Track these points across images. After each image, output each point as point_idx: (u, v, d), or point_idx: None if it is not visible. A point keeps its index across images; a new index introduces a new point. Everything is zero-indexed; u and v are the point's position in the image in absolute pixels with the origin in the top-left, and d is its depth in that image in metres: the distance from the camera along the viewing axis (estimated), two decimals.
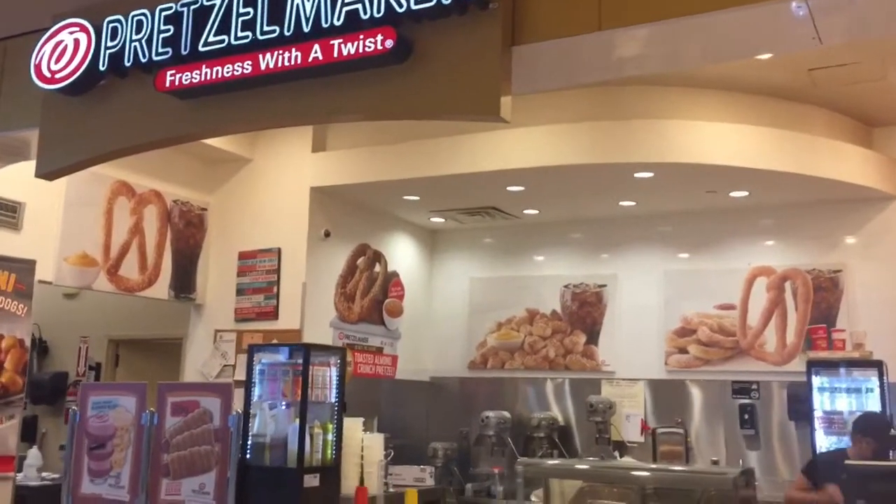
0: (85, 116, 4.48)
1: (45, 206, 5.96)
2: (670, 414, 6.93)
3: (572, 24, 3.50)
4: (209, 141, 6.33)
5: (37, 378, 7.66)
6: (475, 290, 7.97)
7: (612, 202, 7.02)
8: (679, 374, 7.04)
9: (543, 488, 5.21)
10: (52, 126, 4.63)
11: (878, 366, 5.86)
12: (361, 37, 3.63)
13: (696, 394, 6.96)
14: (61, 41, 4.46)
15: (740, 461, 6.56)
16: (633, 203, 7.01)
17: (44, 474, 6.68)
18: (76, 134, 4.54)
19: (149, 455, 4.77)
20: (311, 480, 4.97)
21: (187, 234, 6.95)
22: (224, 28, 3.98)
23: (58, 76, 4.43)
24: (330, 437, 5.17)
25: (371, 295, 7.31)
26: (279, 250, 6.74)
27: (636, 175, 6.21)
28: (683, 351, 7.05)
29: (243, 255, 6.90)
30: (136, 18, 4.23)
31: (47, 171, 4.68)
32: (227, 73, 3.95)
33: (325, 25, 3.72)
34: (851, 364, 6.00)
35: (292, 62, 3.80)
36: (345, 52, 3.67)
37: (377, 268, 7.43)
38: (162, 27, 4.15)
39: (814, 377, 6.00)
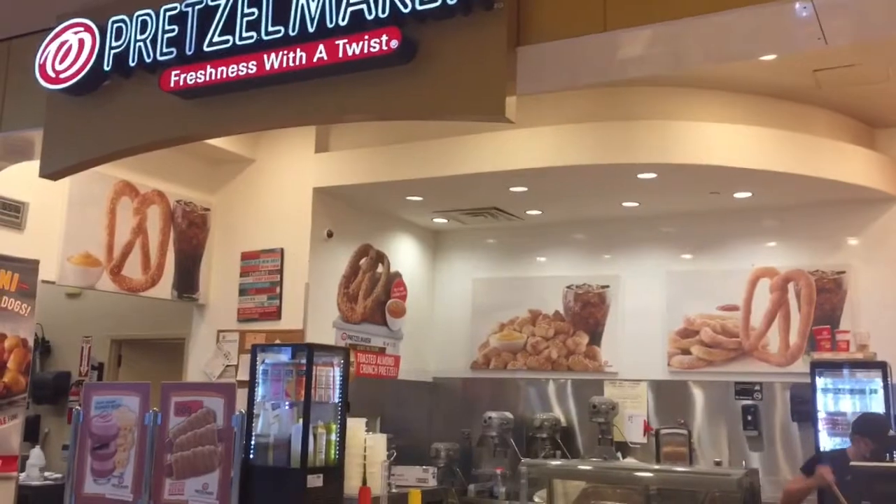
0: (89, 116, 4.48)
1: (49, 205, 5.97)
2: (673, 415, 6.92)
3: (577, 25, 3.49)
4: (212, 141, 6.33)
5: (39, 378, 7.67)
6: (478, 290, 7.97)
7: (615, 203, 7.02)
8: (682, 375, 7.04)
9: (547, 489, 5.21)
10: (57, 126, 4.63)
11: (882, 367, 5.86)
12: (366, 37, 3.63)
13: (698, 395, 6.96)
14: (66, 41, 4.46)
15: (743, 462, 6.54)
16: (636, 204, 7.00)
17: (46, 474, 6.69)
18: (80, 134, 4.54)
19: (152, 455, 4.78)
20: (315, 481, 4.99)
21: (190, 235, 6.95)
22: (229, 28, 3.98)
23: (62, 76, 4.42)
24: (333, 437, 5.18)
25: (374, 295, 7.31)
26: (282, 250, 6.74)
27: (639, 176, 6.20)
28: (686, 352, 7.04)
29: (246, 256, 6.90)
30: (140, 18, 4.22)
31: (51, 171, 4.68)
32: (232, 73, 3.95)
33: (329, 26, 3.72)
34: (855, 365, 6.00)
35: (297, 62, 3.80)
36: (350, 53, 3.66)
37: (380, 268, 7.43)
38: (166, 27, 4.14)
39: (817, 378, 6.00)
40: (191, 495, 4.64)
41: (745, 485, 4.65)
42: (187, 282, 6.91)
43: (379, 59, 3.61)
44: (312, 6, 3.76)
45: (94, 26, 4.38)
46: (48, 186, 5.21)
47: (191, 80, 4.05)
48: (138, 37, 4.22)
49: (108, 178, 6.31)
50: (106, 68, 4.33)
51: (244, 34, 3.93)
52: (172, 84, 4.10)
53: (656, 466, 6.21)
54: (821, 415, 5.94)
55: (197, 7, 4.08)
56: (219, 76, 3.98)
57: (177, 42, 4.10)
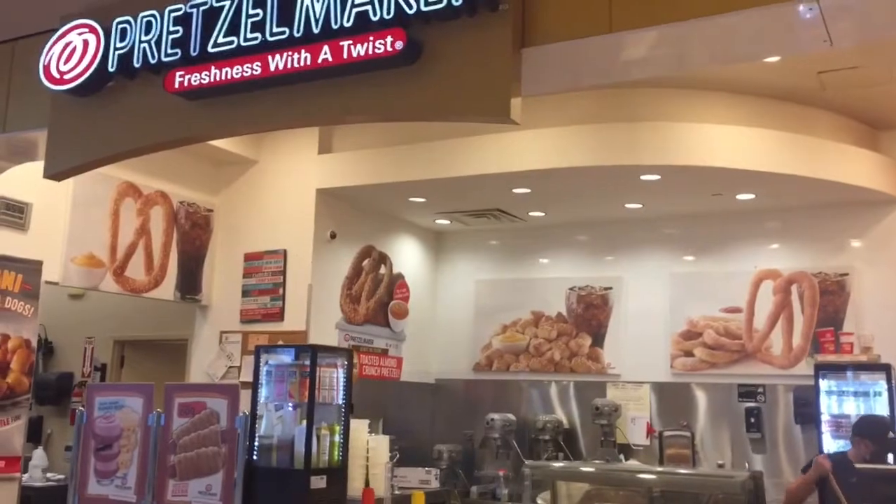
0: (93, 117, 4.48)
1: (52, 206, 5.97)
2: (676, 417, 6.91)
3: (583, 26, 3.49)
4: (215, 142, 6.33)
5: (42, 379, 7.66)
6: (480, 292, 7.96)
7: (618, 204, 7.02)
8: (685, 377, 7.03)
9: (551, 491, 5.21)
10: (61, 127, 4.63)
11: (886, 369, 5.86)
12: (371, 38, 3.63)
13: (701, 397, 6.95)
14: (70, 42, 4.46)
15: (746, 465, 6.53)
16: (639, 205, 7.00)
17: (49, 475, 6.68)
18: (85, 135, 4.54)
19: (155, 456, 4.77)
20: (318, 482, 4.98)
21: (193, 236, 6.95)
22: (233, 29, 3.98)
23: (67, 77, 4.43)
24: (337, 438, 5.17)
25: (376, 297, 7.30)
26: (285, 252, 6.74)
27: (642, 177, 6.20)
28: (689, 354, 7.03)
29: (249, 257, 6.90)
30: (145, 19, 4.23)
31: (55, 172, 4.68)
32: (237, 74, 3.95)
33: (334, 27, 3.72)
34: (859, 367, 6.00)
35: (301, 63, 3.80)
36: (354, 54, 3.66)
37: (382, 269, 7.43)
38: (171, 28, 4.14)
39: (821, 380, 6.00)
40: (194, 496, 4.63)
41: (750, 487, 4.64)
42: (190, 283, 6.91)
43: (383, 60, 3.61)
44: (317, 7, 3.76)
45: (98, 27, 4.39)
46: (52, 187, 5.21)
47: (195, 81, 4.05)
48: (143, 38, 4.22)
49: (111, 179, 6.31)
50: (110, 69, 4.33)
51: (249, 35, 3.93)
52: (177, 85, 4.10)
53: (660, 468, 6.21)
54: (824, 417, 5.94)
55: (202, 8, 4.08)
56: (223, 77, 3.98)
57: (181, 43, 4.10)
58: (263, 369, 5.30)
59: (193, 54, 4.07)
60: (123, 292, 6.48)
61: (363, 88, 3.75)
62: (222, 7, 4.02)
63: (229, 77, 3.97)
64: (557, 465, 6.19)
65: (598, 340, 7.42)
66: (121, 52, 4.29)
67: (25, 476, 6.14)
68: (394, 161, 6.52)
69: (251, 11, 3.94)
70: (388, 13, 3.60)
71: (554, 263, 7.76)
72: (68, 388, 7.93)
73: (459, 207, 7.28)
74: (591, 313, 7.47)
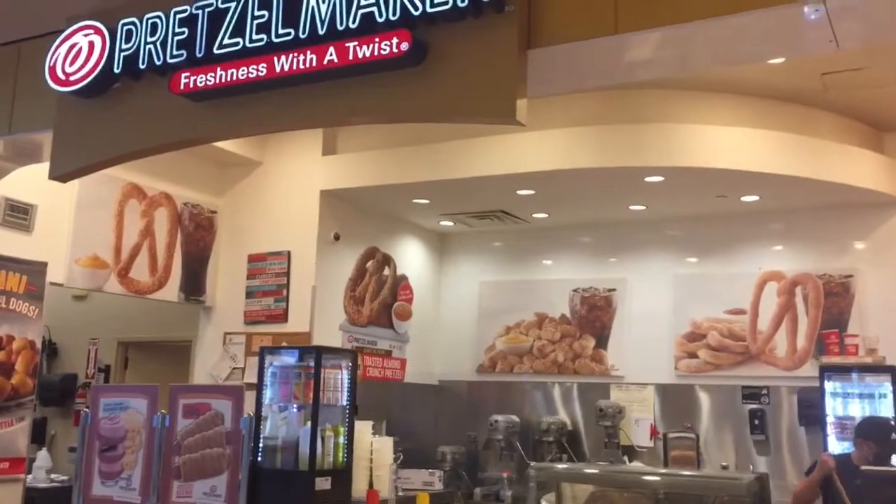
0: (99, 119, 4.48)
1: (57, 208, 5.97)
2: (680, 419, 6.91)
3: (588, 28, 3.48)
4: (220, 144, 6.35)
5: (46, 380, 7.66)
6: (484, 293, 7.96)
7: (622, 206, 7.02)
8: (689, 378, 7.02)
9: (555, 493, 5.20)
10: (66, 128, 4.63)
11: (892, 371, 5.85)
12: (377, 39, 3.62)
13: (705, 399, 6.94)
14: (76, 43, 4.45)
15: (750, 466, 6.53)
16: (643, 207, 7.00)
17: (53, 476, 6.69)
18: (90, 136, 4.53)
19: (160, 457, 4.77)
20: (323, 483, 4.98)
21: (197, 237, 6.96)
22: (239, 30, 3.97)
23: (72, 78, 4.42)
24: (341, 440, 5.17)
25: (380, 298, 7.31)
26: (289, 253, 6.74)
27: (646, 179, 6.20)
28: (693, 355, 7.03)
29: (253, 258, 6.90)
30: (150, 21, 4.22)
31: (61, 174, 4.68)
32: (242, 75, 3.94)
33: (340, 28, 3.71)
34: (864, 369, 5.99)
35: (307, 65, 3.79)
36: (360, 55, 3.66)
37: (386, 271, 7.43)
38: (177, 29, 4.14)
39: (826, 382, 5.99)
40: (199, 498, 4.64)
41: (755, 489, 4.63)
42: (194, 284, 6.91)
43: (389, 61, 3.61)
44: (323, 8, 3.76)
45: (104, 29, 4.38)
46: (56, 189, 5.21)
47: (201, 82, 4.05)
48: (148, 39, 4.21)
49: (115, 181, 6.32)
50: (116, 71, 4.32)
51: (254, 36, 3.93)
52: (182, 86, 4.10)
53: (664, 470, 6.20)
54: (829, 419, 5.92)
55: (207, 9, 4.07)
56: (229, 78, 3.97)
57: (187, 44, 4.10)
58: (268, 371, 5.31)
59: (199, 55, 4.07)
60: (127, 293, 6.48)
61: (369, 90, 3.75)
62: (228, 8, 4.02)
63: (235, 78, 3.96)
64: (562, 466, 6.19)
65: (602, 342, 7.42)
66: (126, 53, 4.29)
67: (29, 477, 6.15)
68: (398, 162, 6.52)
69: (257, 13, 3.94)
70: (394, 14, 3.59)
71: (557, 265, 7.76)
72: (72, 389, 7.94)
73: (463, 209, 7.28)
74: (594, 315, 7.47)
